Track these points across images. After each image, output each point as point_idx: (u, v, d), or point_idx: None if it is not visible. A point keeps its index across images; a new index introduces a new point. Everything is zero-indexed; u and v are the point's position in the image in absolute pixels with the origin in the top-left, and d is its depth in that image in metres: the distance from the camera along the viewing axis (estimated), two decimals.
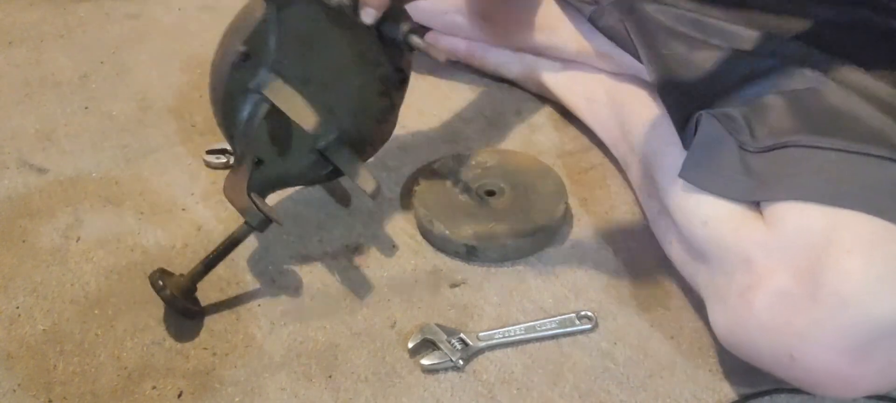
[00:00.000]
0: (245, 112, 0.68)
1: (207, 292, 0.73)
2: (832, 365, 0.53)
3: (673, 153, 0.68)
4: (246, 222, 0.69)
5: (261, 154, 0.70)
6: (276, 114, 0.67)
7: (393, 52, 0.74)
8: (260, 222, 0.68)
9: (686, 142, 0.66)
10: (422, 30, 0.74)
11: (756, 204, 0.60)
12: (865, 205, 0.53)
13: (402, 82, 0.78)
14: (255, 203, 0.68)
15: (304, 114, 0.66)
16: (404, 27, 0.70)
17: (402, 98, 0.79)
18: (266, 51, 0.66)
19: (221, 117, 0.69)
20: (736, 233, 0.59)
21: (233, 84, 0.66)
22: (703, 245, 0.62)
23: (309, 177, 0.78)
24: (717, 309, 0.61)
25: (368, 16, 0.68)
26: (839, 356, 0.52)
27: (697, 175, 0.63)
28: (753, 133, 0.63)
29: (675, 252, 0.69)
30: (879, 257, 0.51)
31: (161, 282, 0.67)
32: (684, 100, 0.69)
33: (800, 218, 0.55)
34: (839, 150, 0.58)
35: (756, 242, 0.57)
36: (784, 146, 0.60)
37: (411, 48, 0.71)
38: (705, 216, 0.62)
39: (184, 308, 0.68)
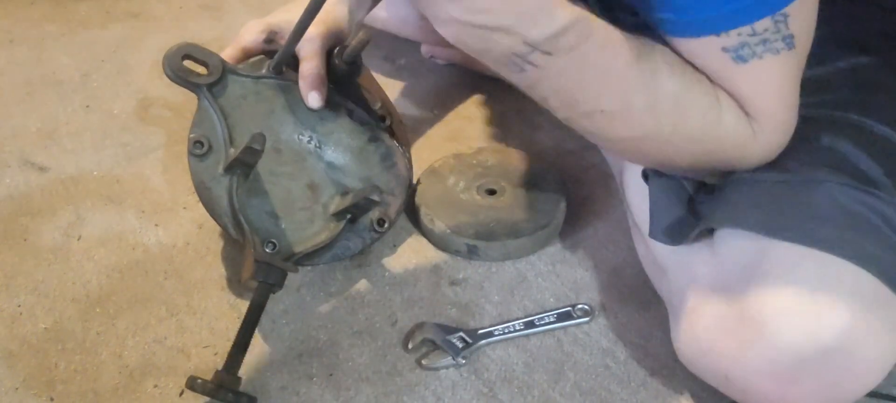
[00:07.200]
0: (223, 196, 0.68)
1: (209, 290, 0.73)
2: (762, 388, 0.53)
3: (637, 170, 0.67)
4: (261, 281, 0.65)
5: (267, 235, 0.67)
6: (252, 185, 0.68)
7: (353, 93, 0.73)
8: (277, 278, 0.66)
9: (642, 172, 0.65)
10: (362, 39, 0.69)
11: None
12: (794, 234, 0.53)
13: (383, 119, 0.74)
14: (264, 263, 0.65)
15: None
16: (348, 55, 0.69)
17: (394, 137, 0.75)
18: (215, 133, 0.68)
19: (210, 212, 0.69)
20: (688, 253, 0.60)
21: (198, 173, 0.68)
22: (663, 260, 0.64)
23: (343, 243, 0.72)
24: (673, 324, 0.62)
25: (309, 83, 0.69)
26: (766, 379, 0.52)
27: (664, 237, 0.62)
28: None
29: (646, 263, 0.70)
30: (797, 284, 0.51)
31: (211, 385, 0.59)
32: None
33: (735, 243, 0.56)
34: (777, 182, 0.57)
35: (704, 262, 0.58)
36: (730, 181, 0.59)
37: (357, 65, 0.71)
38: None
39: (249, 399, 0.61)
